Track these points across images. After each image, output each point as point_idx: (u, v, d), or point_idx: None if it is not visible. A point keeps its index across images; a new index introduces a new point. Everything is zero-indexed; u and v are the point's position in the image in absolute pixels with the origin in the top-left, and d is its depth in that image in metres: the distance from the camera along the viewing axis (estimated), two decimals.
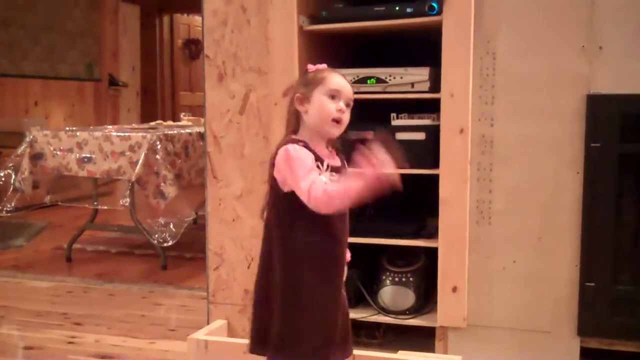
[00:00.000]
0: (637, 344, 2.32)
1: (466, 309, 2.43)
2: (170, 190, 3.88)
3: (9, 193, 4.18)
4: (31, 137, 4.17)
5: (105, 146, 3.99)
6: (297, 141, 1.76)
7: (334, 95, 1.77)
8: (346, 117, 1.78)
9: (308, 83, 1.80)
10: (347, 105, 1.79)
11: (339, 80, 1.79)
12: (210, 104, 2.68)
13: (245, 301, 2.70)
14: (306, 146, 1.75)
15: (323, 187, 1.65)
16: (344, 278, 1.85)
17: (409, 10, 2.43)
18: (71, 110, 7.77)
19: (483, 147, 2.41)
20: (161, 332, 2.96)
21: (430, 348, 2.48)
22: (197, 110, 6.24)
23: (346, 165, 1.83)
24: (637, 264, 2.33)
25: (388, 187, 1.61)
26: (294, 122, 1.83)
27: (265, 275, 1.83)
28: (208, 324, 2.73)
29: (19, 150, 4.19)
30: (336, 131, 1.78)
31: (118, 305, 3.38)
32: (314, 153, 1.74)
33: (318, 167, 1.73)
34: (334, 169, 1.78)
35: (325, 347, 1.77)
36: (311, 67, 1.85)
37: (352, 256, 1.90)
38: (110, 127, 5.06)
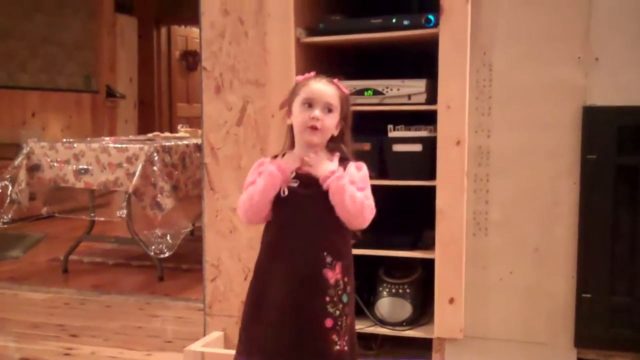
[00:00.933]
0: (634, 355, 2.32)
1: (463, 320, 2.43)
2: (167, 202, 3.88)
3: (6, 204, 4.18)
4: (28, 148, 4.17)
5: (102, 158, 3.99)
6: (276, 156, 1.86)
7: (309, 103, 1.79)
8: (327, 122, 1.79)
9: (291, 94, 1.85)
10: (329, 110, 1.79)
11: (315, 87, 1.80)
12: (208, 115, 2.68)
13: (242, 313, 2.69)
14: (283, 155, 1.84)
15: (240, 199, 1.85)
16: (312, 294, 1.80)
17: (406, 22, 2.44)
18: (68, 121, 7.77)
19: (480, 158, 2.41)
20: (158, 344, 2.95)
21: (427, 359, 2.48)
22: (195, 122, 6.26)
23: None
24: (634, 275, 2.33)
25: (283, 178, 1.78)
26: (290, 137, 1.87)
27: None
28: (204, 335, 2.72)
29: (16, 162, 4.19)
30: (314, 138, 1.79)
31: (114, 317, 3.37)
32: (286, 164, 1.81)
33: None
34: (302, 176, 1.80)
35: (252, 348, 1.85)
36: (299, 78, 1.87)
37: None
38: (108, 138, 5.06)
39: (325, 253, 1.80)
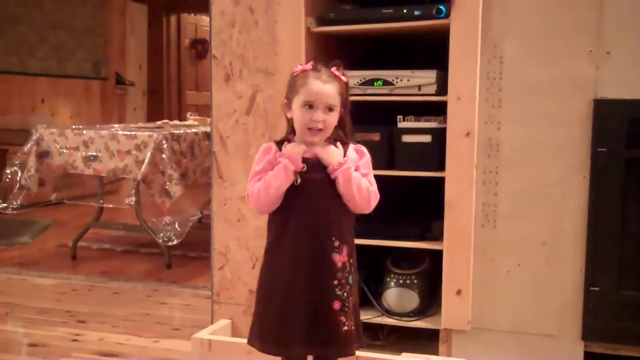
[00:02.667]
0: None
1: (470, 312, 2.43)
2: (176, 190, 3.89)
3: (15, 190, 4.19)
4: (38, 135, 4.19)
5: (111, 145, 3.99)
6: (280, 141, 1.89)
7: (310, 105, 1.80)
8: (329, 122, 1.81)
9: (290, 89, 1.86)
10: (330, 109, 1.80)
11: (315, 87, 1.80)
12: (217, 104, 2.68)
13: (249, 301, 2.70)
14: (287, 140, 1.87)
15: (251, 189, 1.86)
16: (321, 277, 1.83)
17: (416, 13, 2.43)
18: (78, 108, 7.79)
19: (489, 150, 2.41)
20: (165, 331, 2.97)
21: (433, 350, 2.48)
22: (204, 110, 6.25)
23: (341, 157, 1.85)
24: None
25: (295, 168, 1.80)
26: (291, 124, 1.89)
27: None
28: (212, 323, 2.73)
29: (26, 148, 4.20)
30: (315, 138, 1.82)
31: (122, 304, 3.38)
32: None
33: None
34: (307, 161, 1.82)
35: (265, 333, 1.87)
36: (297, 69, 1.87)
37: (357, 258, 1.90)
38: (117, 125, 5.08)
39: (333, 238, 1.82)
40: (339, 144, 1.86)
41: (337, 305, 1.82)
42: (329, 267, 1.83)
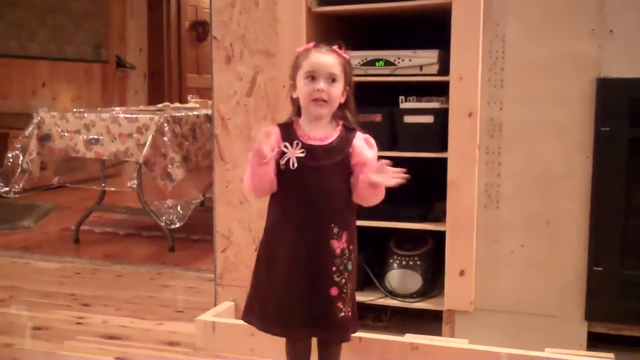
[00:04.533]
0: None
1: (473, 292, 2.43)
2: (178, 172, 3.88)
3: (17, 174, 4.19)
4: (39, 118, 4.17)
5: (112, 128, 3.98)
6: (284, 123, 1.88)
7: (313, 76, 1.80)
8: (333, 92, 1.80)
9: (294, 68, 1.87)
10: (332, 80, 1.80)
11: (316, 58, 1.81)
12: (218, 86, 2.67)
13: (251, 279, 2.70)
14: (287, 127, 1.86)
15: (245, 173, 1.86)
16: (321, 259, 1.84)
17: None
18: (78, 91, 7.76)
19: (492, 130, 2.40)
20: (169, 314, 2.97)
21: (437, 331, 2.49)
22: (205, 92, 6.23)
23: (347, 145, 1.84)
24: None
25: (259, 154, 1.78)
26: (295, 107, 1.89)
27: None
28: (215, 305, 2.74)
29: (27, 132, 4.19)
30: (321, 110, 1.82)
31: (126, 287, 3.39)
32: (291, 133, 1.83)
33: (286, 147, 1.82)
34: (311, 148, 1.81)
35: (263, 316, 1.90)
36: (299, 50, 1.87)
37: (358, 240, 1.90)
38: (118, 108, 5.06)
39: (332, 224, 1.83)
40: (340, 127, 1.86)
41: (334, 291, 1.83)
42: (327, 253, 1.83)
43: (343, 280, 1.84)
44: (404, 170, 1.80)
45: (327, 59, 1.81)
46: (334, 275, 1.83)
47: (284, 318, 1.86)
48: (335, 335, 1.89)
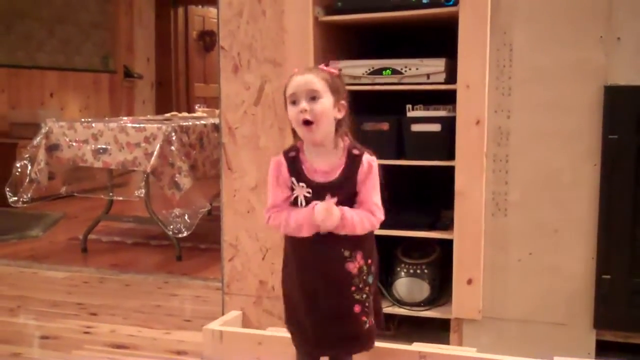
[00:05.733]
0: None
1: (481, 301, 2.43)
2: (185, 182, 3.89)
3: (25, 184, 4.20)
4: (47, 128, 4.19)
5: (120, 137, 4.00)
6: (289, 149, 1.86)
7: (294, 101, 1.78)
8: (317, 109, 1.75)
9: (284, 101, 1.84)
10: (312, 98, 1.76)
11: (294, 81, 1.78)
12: (226, 95, 2.68)
13: (260, 292, 2.70)
14: (293, 159, 1.84)
15: (273, 216, 1.86)
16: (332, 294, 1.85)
17: (425, 1, 2.42)
18: (86, 101, 7.80)
19: (499, 138, 2.40)
20: (176, 323, 2.97)
21: (444, 340, 2.48)
22: (212, 102, 6.25)
23: (353, 176, 1.82)
24: None
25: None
26: (297, 136, 1.88)
27: None
28: (223, 314, 2.74)
29: (35, 142, 4.21)
30: (312, 135, 1.78)
31: (133, 296, 3.39)
32: (298, 167, 1.82)
33: (294, 183, 1.82)
34: (318, 186, 1.80)
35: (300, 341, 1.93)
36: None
37: None
38: (126, 118, 5.08)
39: (342, 249, 1.82)
40: (343, 152, 1.84)
41: (357, 308, 1.85)
42: (344, 276, 1.83)
43: (364, 296, 1.86)
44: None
45: (305, 77, 1.77)
46: (355, 294, 1.84)
47: (314, 345, 1.90)
48: (363, 347, 1.92)
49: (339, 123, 1.82)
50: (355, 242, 1.84)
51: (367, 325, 1.87)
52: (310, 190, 1.81)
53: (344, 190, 1.81)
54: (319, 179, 1.81)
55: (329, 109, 1.78)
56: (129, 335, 2.81)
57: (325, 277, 1.82)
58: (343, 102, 1.82)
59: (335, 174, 1.81)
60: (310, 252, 1.83)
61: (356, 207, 1.82)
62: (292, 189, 1.83)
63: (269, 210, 1.87)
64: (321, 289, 1.83)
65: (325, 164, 1.82)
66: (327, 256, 1.82)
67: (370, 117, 2.48)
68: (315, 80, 1.77)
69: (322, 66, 1.84)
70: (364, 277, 1.84)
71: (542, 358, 2.21)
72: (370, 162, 1.83)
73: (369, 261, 1.86)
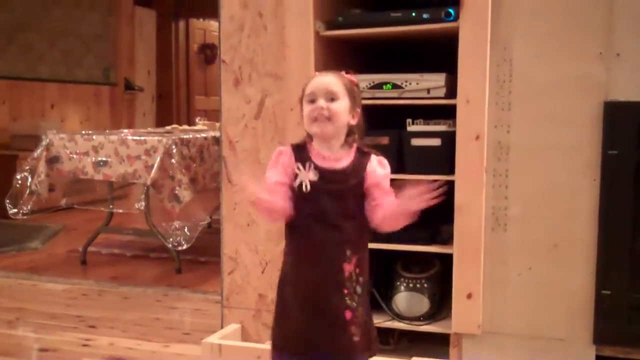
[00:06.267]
0: None
1: (481, 315, 2.42)
2: (185, 194, 3.90)
3: (25, 196, 4.21)
4: (47, 140, 4.20)
5: (121, 150, 4.01)
6: (297, 144, 1.84)
7: (312, 100, 1.78)
8: (334, 108, 1.76)
9: (301, 103, 1.84)
10: (331, 99, 1.77)
11: (315, 82, 1.79)
12: (226, 108, 2.69)
13: (259, 305, 2.70)
14: (300, 147, 1.83)
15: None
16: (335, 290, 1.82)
17: (425, 16, 2.43)
18: (87, 114, 7.82)
19: (499, 153, 2.40)
20: (175, 336, 2.97)
21: (444, 354, 2.48)
22: (212, 115, 6.27)
23: (362, 169, 1.81)
24: None
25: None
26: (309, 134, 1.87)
27: None
28: (222, 328, 2.73)
29: (36, 154, 4.22)
30: (324, 127, 1.77)
31: (132, 308, 3.39)
32: (305, 154, 1.80)
33: (299, 168, 1.79)
34: (324, 171, 1.79)
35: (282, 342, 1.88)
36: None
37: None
38: (126, 131, 5.09)
39: (346, 248, 1.81)
40: (353, 151, 1.84)
41: (348, 314, 1.81)
42: (339, 276, 1.81)
43: (354, 304, 1.82)
44: (436, 187, 1.77)
45: (326, 79, 1.79)
46: (346, 298, 1.81)
47: (299, 347, 1.85)
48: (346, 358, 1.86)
49: (350, 129, 1.83)
50: (357, 245, 1.83)
51: (356, 339, 1.82)
52: (317, 173, 1.80)
53: (353, 180, 1.80)
54: (328, 165, 1.81)
55: (344, 111, 1.79)
56: (127, 348, 2.81)
57: (325, 273, 1.81)
58: (358, 109, 1.84)
59: (345, 163, 1.81)
60: (317, 242, 1.81)
61: (381, 201, 1.82)
62: (296, 176, 1.82)
63: None
64: (320, 284, 1.81)
65: (334, 155, 1.83)
66: (332, 250, 1.80)
67: (371, 131, 2.48)
68: (335, 82, 1.79)
69: (342, 72, 1.85)
70: (354, 285, 1.83)
71: None
72: (380, 160, 1.84)
73: (358, 270, 1.84)
